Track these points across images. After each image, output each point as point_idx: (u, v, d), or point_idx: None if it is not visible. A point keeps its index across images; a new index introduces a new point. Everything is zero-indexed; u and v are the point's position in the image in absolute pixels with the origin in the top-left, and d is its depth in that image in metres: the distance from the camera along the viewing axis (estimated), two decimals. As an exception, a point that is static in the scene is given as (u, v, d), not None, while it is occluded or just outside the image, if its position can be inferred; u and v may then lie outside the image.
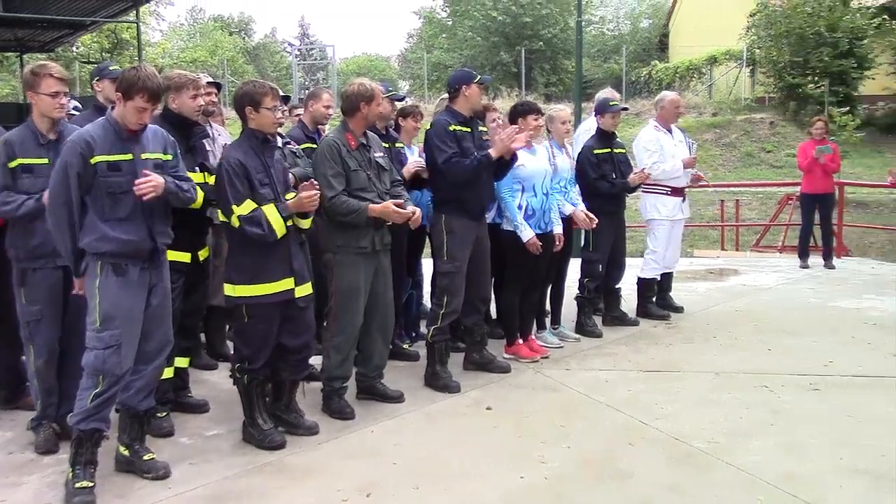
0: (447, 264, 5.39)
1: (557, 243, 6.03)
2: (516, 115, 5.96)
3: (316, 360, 5.08)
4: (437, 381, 5.37)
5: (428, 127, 5.51)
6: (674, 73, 30.37)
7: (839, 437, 4.47)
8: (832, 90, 21.99)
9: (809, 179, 9.76)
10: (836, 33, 22.56)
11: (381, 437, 4.56)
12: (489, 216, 5.86)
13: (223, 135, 5.71)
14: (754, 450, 4.31)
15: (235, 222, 4.18)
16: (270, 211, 4.20)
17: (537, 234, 5.80)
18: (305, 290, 4.41)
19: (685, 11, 33.93)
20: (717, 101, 26.91)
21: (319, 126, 6.01)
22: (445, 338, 5.45)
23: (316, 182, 4.43)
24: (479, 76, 5.42)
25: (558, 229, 6.05)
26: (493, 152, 5.27)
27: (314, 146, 5.27)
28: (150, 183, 3.78)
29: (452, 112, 5.44)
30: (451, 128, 5.33)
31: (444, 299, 5.39)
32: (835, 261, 9.98)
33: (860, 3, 15.96)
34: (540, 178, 5.86)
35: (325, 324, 5.07)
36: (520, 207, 5.78)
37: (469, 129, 5.43)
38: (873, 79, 23.71)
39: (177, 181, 3.98)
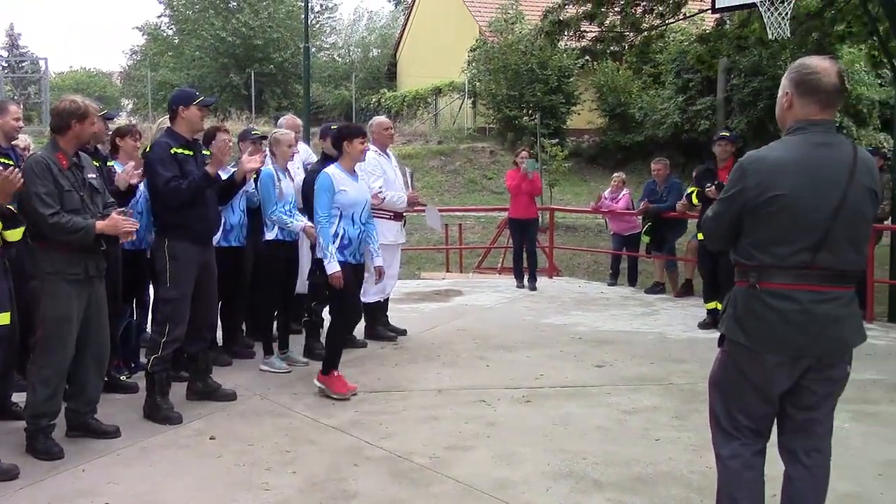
0: (170, 291, 5.19)
1: (378, 277, 6.05)
2: (341, 137, 5.78)
3: (19, 397, 4.68)
4: (158, 412, 5.14)
5: (147, 149, 5.30)
6: (401, 102, 31.39)
7: (548, 444, 4.81)
8: (544, 123, 23.75)
9: (515, 206, 10.43)
10: (546, 71, 24.49)
11: (93, 476, 4.28)
12: (214, 240, 5.73)
13: None
14: (472, 461, 4.54)
15: None
16: None
17: (352, 265, 5.64)
18: (2, 319, 4.04)
19: (412, 43, 35.25)
20: (443, 130, 28.14)
21: (14, 142, 5.52)
22: (166, 367, 5.23)
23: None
24: (199, 97, 5.29)
25: (379, 261, 5.99)
26: (209, 169, 5.16)
27: (9, 162, 4.85)
28: None
29: (173, 134, 5.26)
30: (173, 150, 5.16)
31: (166, 327, 5.17)
32: (546, 280, 10.72)
33: (566, 45, 17.45)
34: (360, 206, 5.73)
35: (31, 356, 4.69)
36: (336, 235, 5.59)
37: (192, 153, 5.28)
38: (579, 114, 26.00)
39: None
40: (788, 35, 9.23)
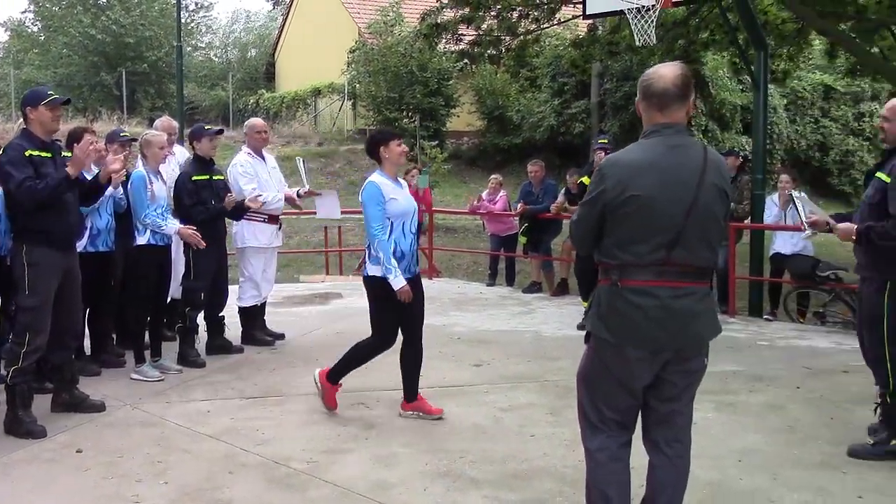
0: (29, 299, 4.96)
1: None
2: (376, 143, 5.27)
3: None
4: (19, 426, 4.91)
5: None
6: (280, 103, 30.95)
7: (426, 444, 4.85)
8: (424, 125, 23.90)
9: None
10: (426, 73, 24.61)
11: (-53, 497, 4.06)
12: (80, 245, 5.53)
13: None
14: (349, 464, 4.54)
15: None
16: None
17: (406, 279, 5.16)
18: None
19: (290, 44, 34.77)
20: (323, 132, 27.89)
21: None
22: (28, 379, 5.00)
23: None
24: (48, 97, 5.06)
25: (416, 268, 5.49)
26: (69, 170, 4.95)
27: None
28: None
29: (29, 135, 5.03)
30: (28, 153, 4.92)
31: (25, 337, 4.94)
32: (426, 281, 10.62)
33: (445, 48, 17.66)
34: (409, 215, 5.23)
35: None
36: None
37: (50, 155, 5.06)
38: (458, 116, 26.24)
39: None
40: (655, 42, 9.60)
